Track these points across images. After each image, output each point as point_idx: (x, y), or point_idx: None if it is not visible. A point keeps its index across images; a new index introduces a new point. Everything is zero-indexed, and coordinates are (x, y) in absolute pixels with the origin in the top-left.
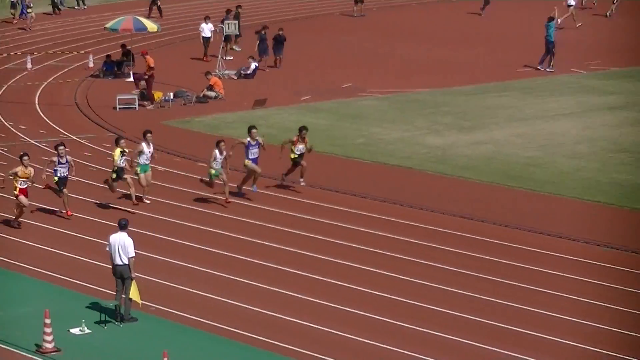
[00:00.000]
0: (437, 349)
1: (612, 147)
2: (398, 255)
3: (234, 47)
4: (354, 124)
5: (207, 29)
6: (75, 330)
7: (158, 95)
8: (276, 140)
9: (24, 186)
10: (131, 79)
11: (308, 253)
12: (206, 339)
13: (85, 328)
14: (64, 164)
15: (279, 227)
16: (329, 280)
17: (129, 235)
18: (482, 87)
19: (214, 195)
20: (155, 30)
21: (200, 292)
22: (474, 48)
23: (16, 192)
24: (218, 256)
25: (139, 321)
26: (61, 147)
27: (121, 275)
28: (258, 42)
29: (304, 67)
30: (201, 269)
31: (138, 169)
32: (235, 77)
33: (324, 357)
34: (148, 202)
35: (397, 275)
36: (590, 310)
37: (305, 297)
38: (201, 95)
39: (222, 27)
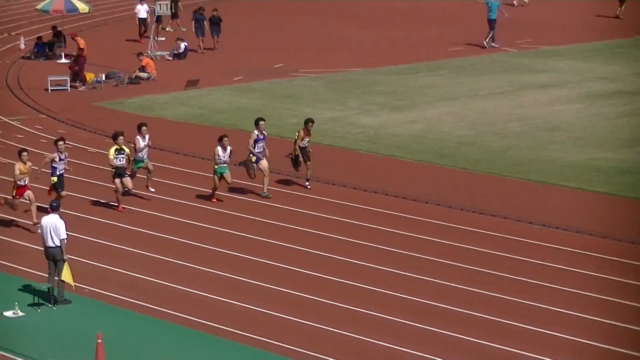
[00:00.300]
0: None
1: (543, 125)
2: (332, 235)
3: (167, 27)
4: (287, 104)
5: (142, 10)
6: (8, 313)
7: (90, 76)
8: (209, 121)
9: (24, 184)
10: (63, 60)
11: (238, 233)
12: (140, 320)
13: (19, 311)
14: (63, 160)
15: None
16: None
17: (60, 217)
18: (414, 67)
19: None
20: (87, 11)
21: (134, 274)
22: (406, 28)
23: (14, 193)
24: (154, 238)
25: (73, 303)
26: (61, 142)
27: (53, 258)
28: (194, 23)
29: (236, 47)
30: (137, 251)
31: (134, 167)
32: (170, 58)
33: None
34: (153, 190)
35: (331, 256)
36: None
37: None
38: (133, 77)
39: (154, 7)
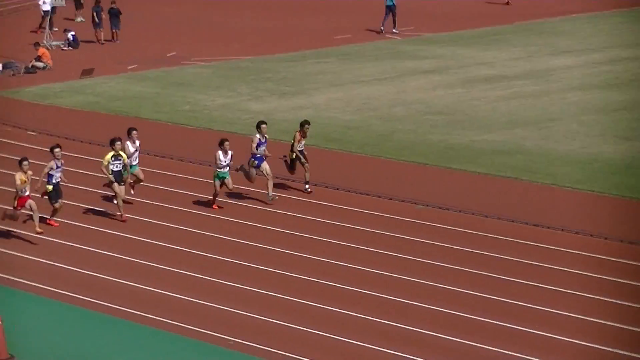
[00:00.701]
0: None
1: (425, 109)
2: (231, 219)
3: (77, 19)
4: (179, 91)
5: (47, 2)
6: None
7: None
8: (103, 108)
9: (26, 194)
10: None
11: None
12: (41, 303)
13: None
14: (60, 167)
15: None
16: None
17: None
18: (302, 54)
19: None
20: None
21: (33, 258)
22: (295, 16)
23: (15, 204)
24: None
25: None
26: (57, 149)
27: None
28: (93, 14)
29: (131, 37)
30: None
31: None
32: (66, 48)
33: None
34: (132, 192)
35: (218, 236)
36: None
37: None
38: (30, 66)
39: None
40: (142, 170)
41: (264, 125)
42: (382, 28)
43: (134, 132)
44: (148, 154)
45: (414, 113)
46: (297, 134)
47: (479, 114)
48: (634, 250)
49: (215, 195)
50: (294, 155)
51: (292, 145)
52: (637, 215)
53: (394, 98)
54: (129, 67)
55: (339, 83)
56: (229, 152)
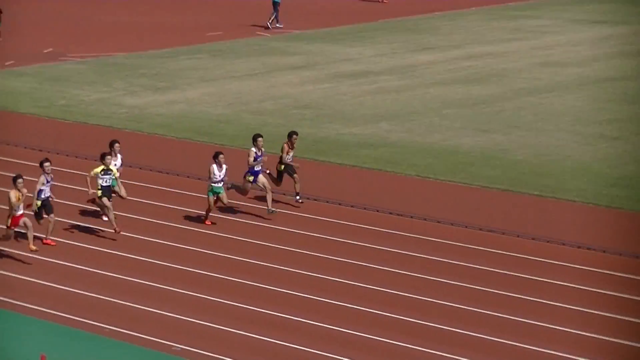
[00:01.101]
0: None
1: (294, 103)
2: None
3: None
4: (56, 86)
5: None
6: None
7: None
8: None
9: (20, 212)
10: None
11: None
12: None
13: None
14: (49, 182)
15: None
16: None
17: None
18: (175, 51)
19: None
20: None
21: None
22: (167, 13)
23: (9, 223)
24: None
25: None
26: (47, 164)
27: None
28: None
29: (7, 33)
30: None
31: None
32: None
33: None
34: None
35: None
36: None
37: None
38: None
39: None
40: (18, 162)
41: (260, 139)
42: (270, 23)
43: (117, 144)
44: (25, 147)
45: (283, 107)
46: (285, 145)
47: (345, 108)
48: (507, 239)
49: (208, 210)
50: (282, 167)
51: (281, 157)
52: (494, 202)
53: (264, 93)
54: (7, 63)
55: (210, 78)
56: (224, 166)
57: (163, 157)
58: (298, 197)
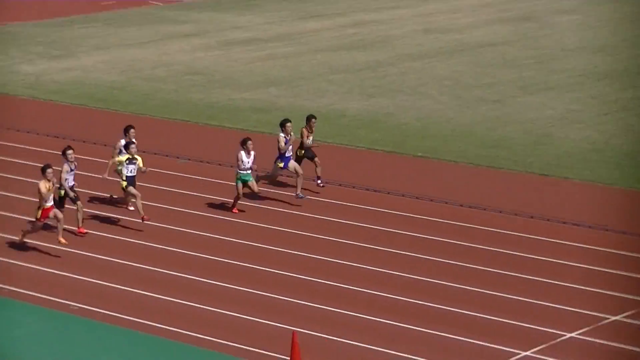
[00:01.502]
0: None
1: (186, 70)
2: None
3: None
4: None
5: None
6: None
7: None
8: None
9: (50, 204)
10: None
11: None
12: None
13: None
14: (73, 170)
15: None
16: None
17: None
18: (71, 19)
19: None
20: None
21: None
22: None
23: (39, 215)
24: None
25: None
26: (70, 152)
27: None
28: None
29: None
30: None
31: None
32: None
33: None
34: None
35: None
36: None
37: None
38: None
39: None
40: None
41: (288, 124)
42: None
43: (132, 130)
44: None
45: (175, 74)
46: (304, 129)
47: (236, 74)
48: (392, 199)
49: (237, 198)
50: (302, 152)
51: (301, 142)
52: (379, 163)
53: (156, 60)
54: None
55: (105, 46)
56: (252, 153)
57: (55, 121)
58: (319, 181)
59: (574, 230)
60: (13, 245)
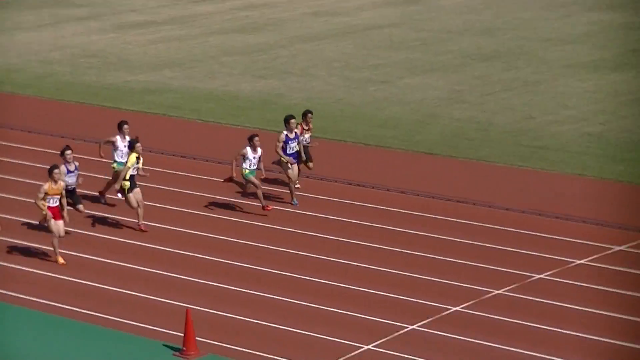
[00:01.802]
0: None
1: (81, 53)
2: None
3: None
4: None
5: None
6: None
7: None
8: None
9: (55, 204)
10: None
11: None
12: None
13: None
14: (73, 172)
15: None
16: None
17: None
18: None
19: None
20: None
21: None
22: None
23: (45, 213)
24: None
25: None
26: (68, 152)
27: None
28: None
29: None
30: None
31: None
32: None
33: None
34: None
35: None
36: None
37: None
38: None
39: None
40: None
41: (292, 120)
42: None
43: (125, 125)
44: None
45: (70, 57)
46: (299, 126)
47: (130, 56)
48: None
49: (259, 193)
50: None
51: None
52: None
53: (52, 43)
54: None
55: (0, 30)
56: (259, 149)
57: None
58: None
59: (461, 207)
60: (13, 247)
